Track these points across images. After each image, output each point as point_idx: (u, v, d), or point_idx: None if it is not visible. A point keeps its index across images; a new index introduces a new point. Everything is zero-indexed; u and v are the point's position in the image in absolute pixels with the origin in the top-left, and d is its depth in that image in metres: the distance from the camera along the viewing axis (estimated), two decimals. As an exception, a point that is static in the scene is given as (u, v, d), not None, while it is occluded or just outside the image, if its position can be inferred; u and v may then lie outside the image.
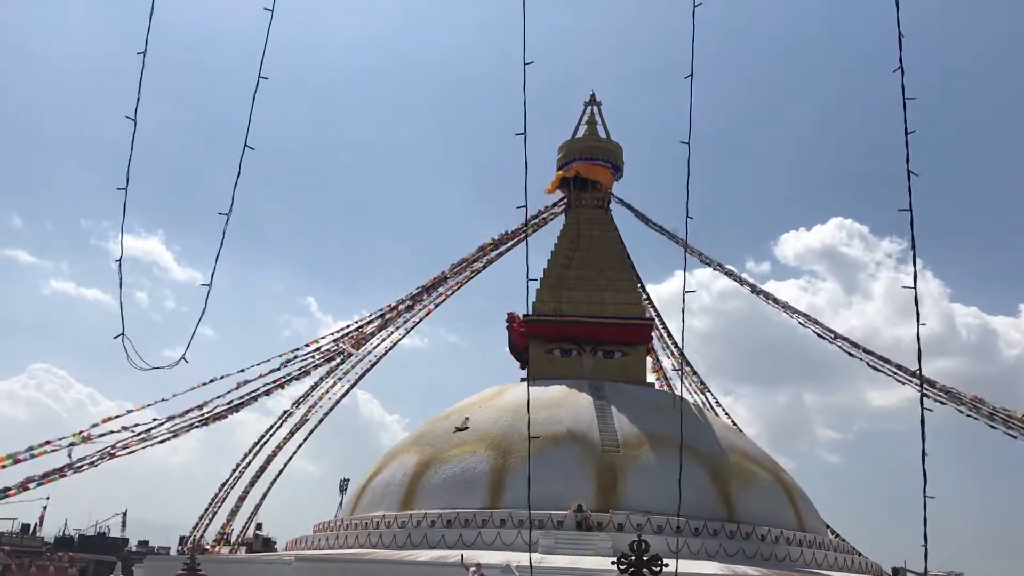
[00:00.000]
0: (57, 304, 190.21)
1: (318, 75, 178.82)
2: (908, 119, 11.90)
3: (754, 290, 59.87)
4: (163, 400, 43.30)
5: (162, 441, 42.90)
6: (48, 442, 38.83)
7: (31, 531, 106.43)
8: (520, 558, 35.21)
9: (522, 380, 54.33)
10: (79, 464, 39.47)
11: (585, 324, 53.46)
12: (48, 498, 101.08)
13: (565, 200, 60.48)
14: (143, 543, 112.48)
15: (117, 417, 42.00)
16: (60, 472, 38.93)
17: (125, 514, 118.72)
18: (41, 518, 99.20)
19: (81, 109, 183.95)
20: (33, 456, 38.14)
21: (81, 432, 39.92)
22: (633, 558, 15.28)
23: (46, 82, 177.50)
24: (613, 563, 15.99)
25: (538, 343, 54.16)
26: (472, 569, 28.15)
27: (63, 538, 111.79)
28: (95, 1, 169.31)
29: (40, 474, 38.38)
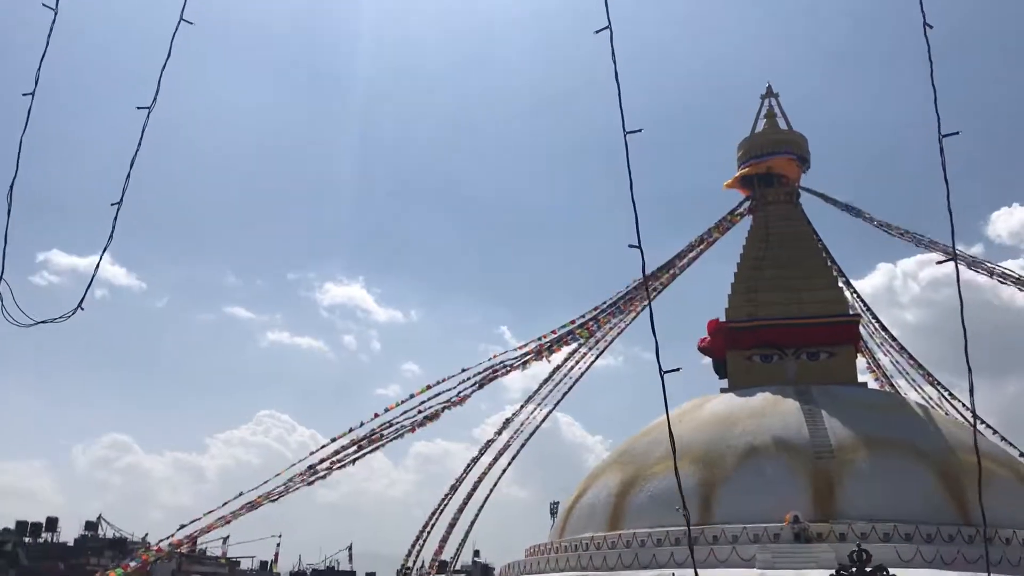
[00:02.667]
0: (275, 354, 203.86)
1: (498, 108, 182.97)
2: None
3: (992, 273, 53.90)
4: (362, 425, 44.23)
5: (354, 460, 43.68)
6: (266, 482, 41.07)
7: (268, 567, 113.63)
8: (736, 575, 33.68)
9: (722, 391, 52.38)
10: (282, 492, 41.38)
11: (784, 327, 50.91)
12: (280, 535, 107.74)
13: (749, 199, 58.13)
14: (370, 574, 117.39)
15: (318, 450, 43.67)
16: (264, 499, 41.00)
17: (351, 547, 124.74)
18: (276, 555, 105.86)
19: (268, 165, 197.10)
20: (243, 497, 40.43)
21: (295, 466, 41.90)
22: (855, 569, 13.89)
23: (233, 141, 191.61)
24: (834, 576, 14.67)
25: (736, 351, 52.10)
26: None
27: (297, 573, 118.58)
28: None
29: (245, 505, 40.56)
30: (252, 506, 40.71)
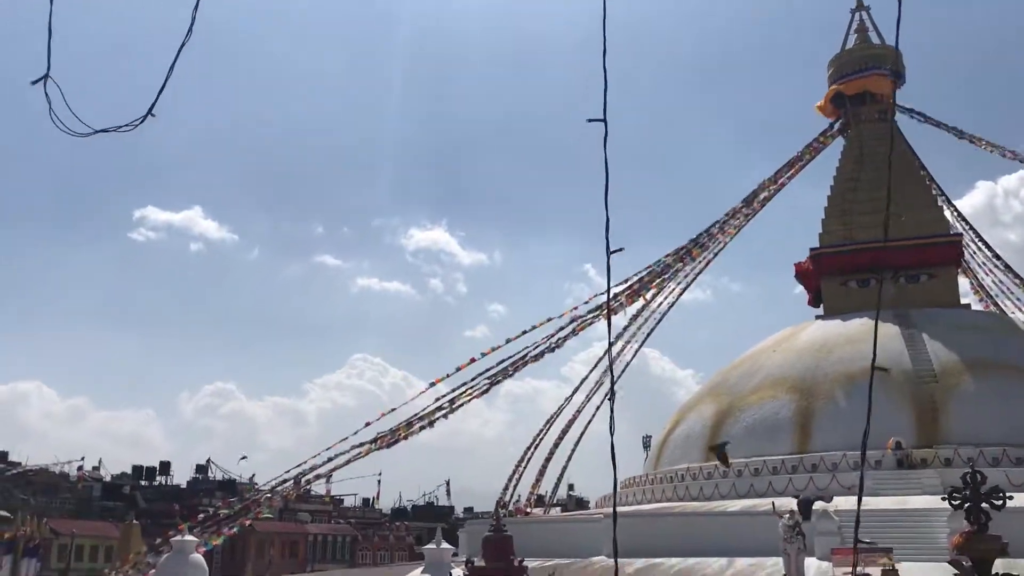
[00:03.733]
0: (364, 300, 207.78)
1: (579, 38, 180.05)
2: None
3: None
4: (457, 370, 44.94)
5: (454, 408, 44.43)
6: (368, 423, 42.16)
7: (371, 504, 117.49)
8: (837, 502, 33.14)
9: (817, 319, 51.16)
10: (392, 439, 42.34)
11: (881, 249, 49.15)
12: (380, 474, 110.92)
13: (841, 120, 55.92)
14: (468, 509, 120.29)
15: (421, 393, 44.59)
16: (378, 445, 42.06)
17: (448, 484, 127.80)
18: (377, 493, 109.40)
19: (350, 118, 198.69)
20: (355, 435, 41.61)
21: (392, 410, 42.90)
22: (968, 492, 13.39)
23: (313, 98, 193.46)
24: (944, 500, 14.22)
25: (831, 277, 50.70)
26: (786, 516, 26.73)
27: (398, 509, 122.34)
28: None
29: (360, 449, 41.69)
30: (373, 447, 41.83)
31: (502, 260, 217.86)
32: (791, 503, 30.80)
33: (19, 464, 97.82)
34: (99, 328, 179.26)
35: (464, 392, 44.17)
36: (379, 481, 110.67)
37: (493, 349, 44.72)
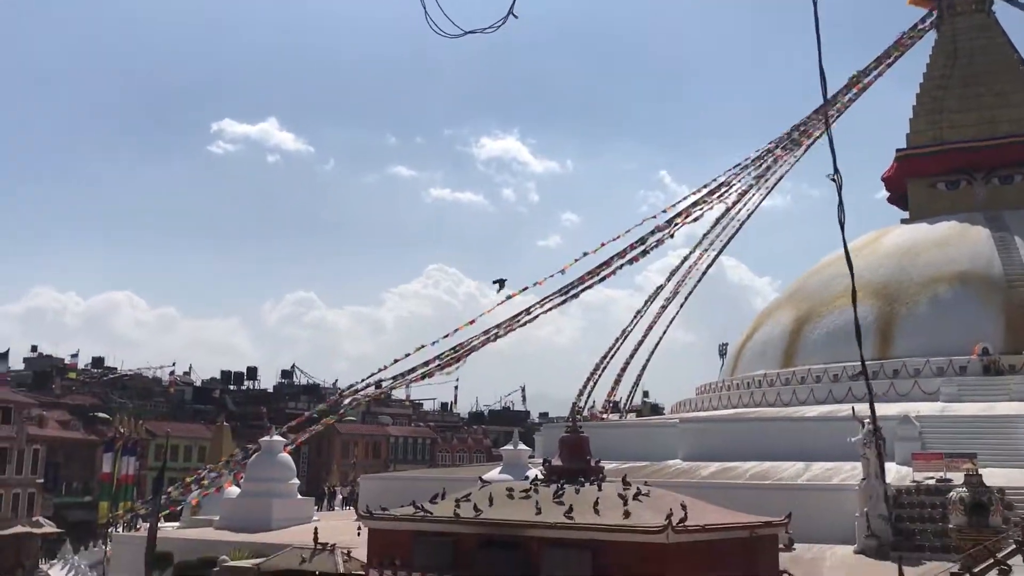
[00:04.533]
0: (438, 210, 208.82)
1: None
2: None
3: None
4: (536, 284, 45.29)
5: (535, 316, 44.85)
6: (448, 334, 43.10)
7: (449, 408, 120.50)
8: (919, 408, 32.68)
9: (903, 222, 49.55)
10: (471, 347, 43.08)
11: (973, 149, 47.02)
12: (458, 379, 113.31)
13: (933, 12, 52.86)
14: (543, 415, 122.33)
15: (501, 303, 45.07)
16: (458, 356, 42.96)
17: (524, 389, 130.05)
18: (455, 398, 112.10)
19: (420, 25, 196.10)
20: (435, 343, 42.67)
21: (471, 321, 43.64)
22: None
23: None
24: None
25: (918, 179, 48.85)
26: (866, 422, 26.41)
27: (475, 413, 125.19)
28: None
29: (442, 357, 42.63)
30: (453, 358, 42.72)
31: (575, 168, 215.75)
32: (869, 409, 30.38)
33: (115, 369, 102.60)
34: (184, 240, 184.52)
35: (542, 304, 44.53)
36: (456, 387, 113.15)
37: (576, 259, 44.70)
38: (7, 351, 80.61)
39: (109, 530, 38.02)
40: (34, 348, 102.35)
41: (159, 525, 28.51)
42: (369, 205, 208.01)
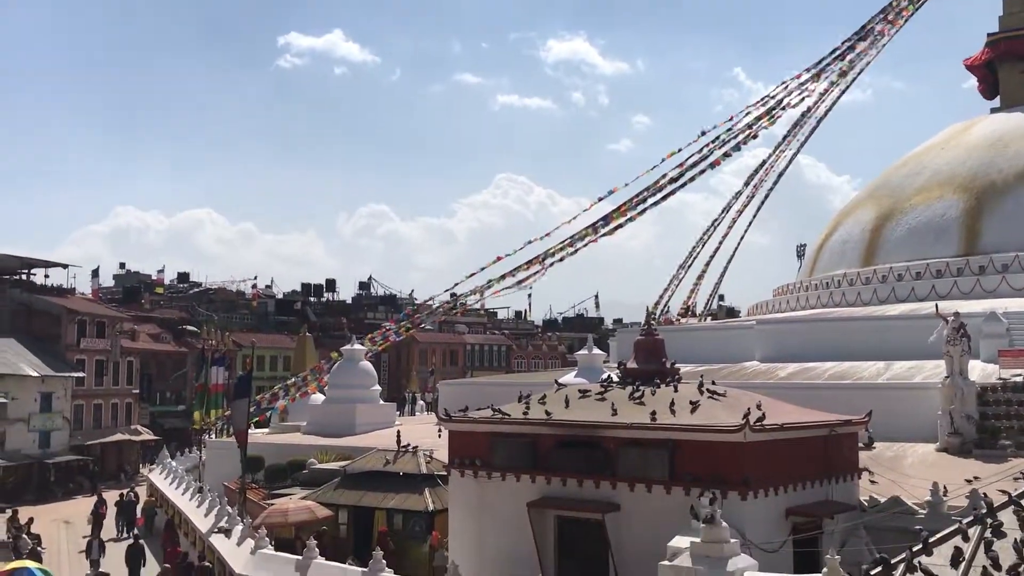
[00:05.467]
0: (506, 117, 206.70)
1: None
2: None
3: None
4: (610, 193, 44.78)
5: (614, 229, 44.51)
6: (530, 242, 43.23)
7: (523, 316, 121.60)
8: (1006, 304, 31.73)
9: (992, 111, 47.24)
10: (550, 262, 43.31)
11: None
12: (531, 288, 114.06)
13: None
14: (617, 320, 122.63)
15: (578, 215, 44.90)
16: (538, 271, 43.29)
17: (597, 296, 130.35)
18: (528, 306, 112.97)
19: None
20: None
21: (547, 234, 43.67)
22: None
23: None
24: None
25: (1010, 64, 46.28)
26: (950, 319, 25.77)
27: (549, 320, 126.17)
28: None
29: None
30: (529, 271, 43.02)
31: (645, 68, 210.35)
32: (954, 306, 29.64)
33: (199, 284, 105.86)
34: (258, 156, 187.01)
35: (624, 211, 44.06)
36: (529, 295, 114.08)
37: (663, 158, 43.97)
38: (97, 268, 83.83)
39: (203, 437, 39.81)
40: (122, 265, 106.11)
41: (249, 431, 29.69)
42: (436, 115, 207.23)
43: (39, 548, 29.63)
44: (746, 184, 52.33)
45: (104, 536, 32.85)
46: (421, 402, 55.79)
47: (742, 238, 55.48)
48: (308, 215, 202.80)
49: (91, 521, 34.97)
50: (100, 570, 25.58)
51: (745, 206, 52.98)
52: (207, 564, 23.24)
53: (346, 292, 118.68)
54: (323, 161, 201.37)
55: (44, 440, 53.41)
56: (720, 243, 54.19)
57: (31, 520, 33.38)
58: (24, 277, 62.52)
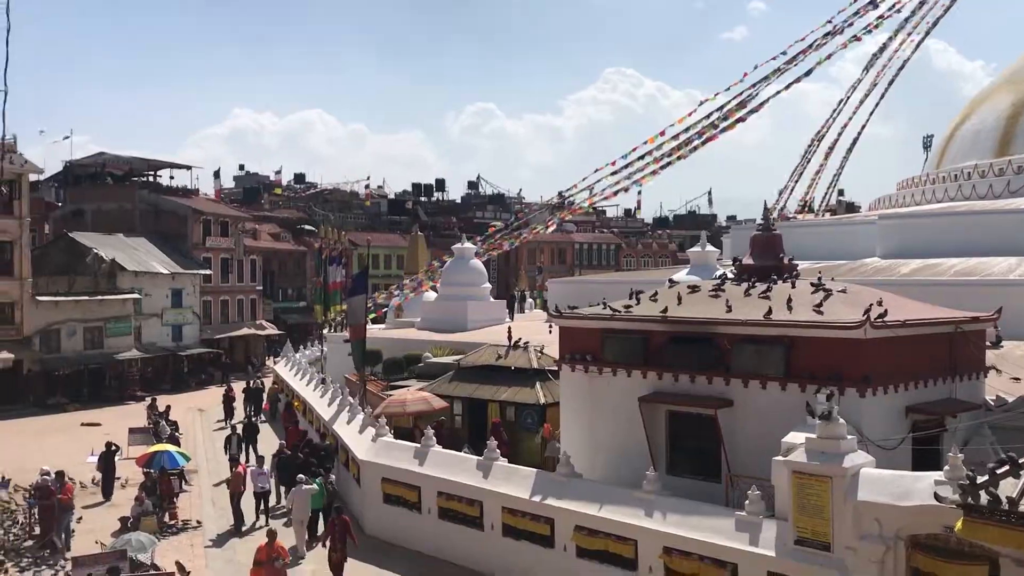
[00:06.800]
0: (612, 6, 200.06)
1: None
2: None
3: None
4: (726, 89, 43.26)
5: (734, 123, 43.14)
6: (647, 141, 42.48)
7: (632, 214, 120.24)
8: None
9: None
10: (667, 161, 42.46)
11: None
12: (641, 184, 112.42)
13: None
14: (730, 217, 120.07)
15: (695, 110, 43.66)
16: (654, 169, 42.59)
17: (710, 193, 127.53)
18: (639, 203, 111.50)
19: None
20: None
21: (661, 133, 42.73)
22: None
23: None
24: None
25: None
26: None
27: (660, 218, 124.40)
28: None
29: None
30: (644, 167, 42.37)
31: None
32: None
33: (315, 184, 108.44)
34: (363, 56, 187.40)
35: (743, 104, 42.62)
36: (639, 192, 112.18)
37: (772, 58, 42.17)
38: (218, 169, 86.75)
39: (324, 331, 41.38)
40: (241, 167, 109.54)
41: (368, 327, 30.66)
42: (539, 6, 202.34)
43: (177, 433, 31.86)
44: (867, 71, 49.70)
45: (234, 420, 35.36)
46: (530, 300, 56.39)
47: (863, 129, 53.00)
48: (415, 115, 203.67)
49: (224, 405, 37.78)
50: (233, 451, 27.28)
51: (867, 95, 50.43)
52: (328, 443, 24.74)
53: (455, 192, 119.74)
54: (428, 60, 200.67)
55: (176, 334, 56.64)
56: (839, 135, 52.02)
57: (168, 408, 35.84)
58: (151, 179, 65.26)
